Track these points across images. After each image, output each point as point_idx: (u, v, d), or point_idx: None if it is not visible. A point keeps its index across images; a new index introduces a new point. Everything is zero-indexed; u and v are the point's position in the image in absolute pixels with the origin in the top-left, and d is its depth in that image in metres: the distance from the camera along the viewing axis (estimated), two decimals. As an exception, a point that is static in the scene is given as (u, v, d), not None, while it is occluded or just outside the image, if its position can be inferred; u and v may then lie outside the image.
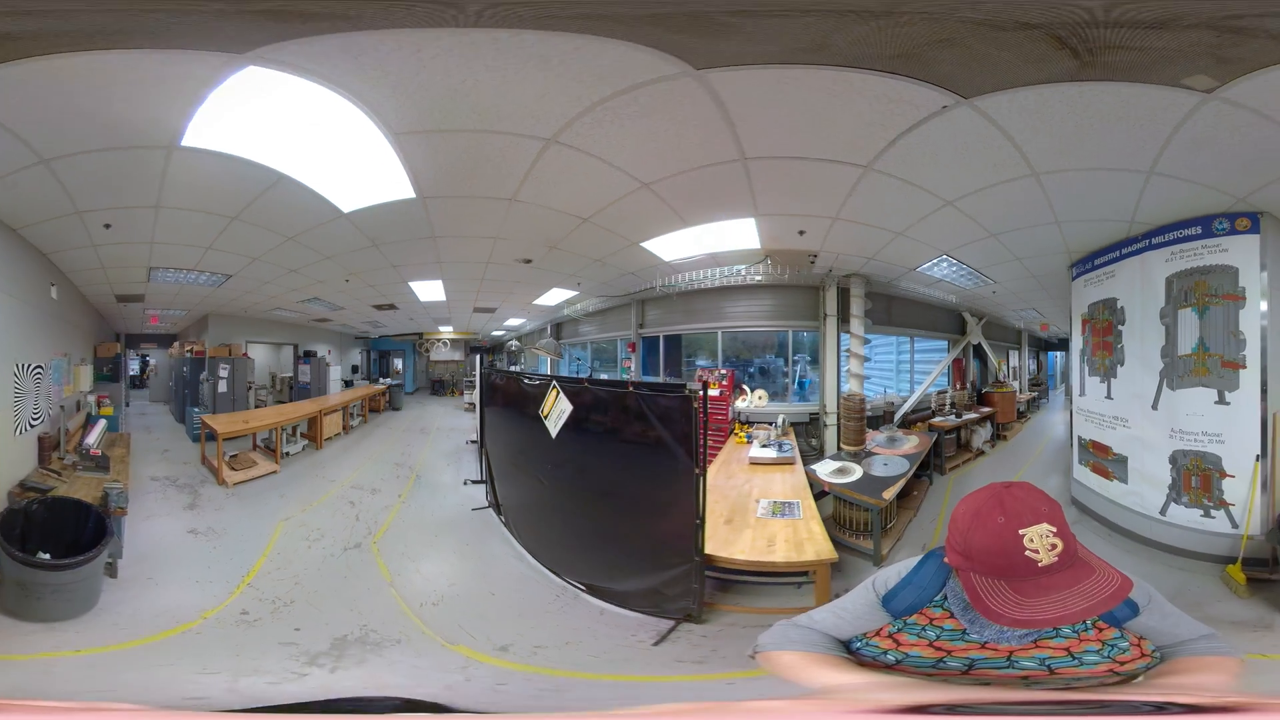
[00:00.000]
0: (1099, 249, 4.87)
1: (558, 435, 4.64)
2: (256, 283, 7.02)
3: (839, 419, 6.26)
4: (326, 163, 3.90)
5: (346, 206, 4.57)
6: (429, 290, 8.13)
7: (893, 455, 5.30)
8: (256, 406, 9.19)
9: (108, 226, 4.75)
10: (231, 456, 6.99)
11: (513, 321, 11.69)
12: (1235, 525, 4.00)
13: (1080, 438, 5.39)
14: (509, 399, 5.87)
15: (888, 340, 7.72)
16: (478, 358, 11.08)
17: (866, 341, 5.99)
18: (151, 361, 9.93)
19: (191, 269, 6.24)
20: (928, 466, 6.07)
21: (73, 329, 6.80)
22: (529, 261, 6.26)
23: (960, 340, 7.86)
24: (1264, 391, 3.87)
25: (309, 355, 10.54)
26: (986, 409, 7.87)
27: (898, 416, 6.98)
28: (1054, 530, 1.28)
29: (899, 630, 1.54)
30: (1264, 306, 3.90)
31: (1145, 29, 2.22)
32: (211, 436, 6.75)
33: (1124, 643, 1.45)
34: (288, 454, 7.63)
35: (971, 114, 2.98)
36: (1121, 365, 4.72)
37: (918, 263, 5.47)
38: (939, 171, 3.65)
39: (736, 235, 5.08)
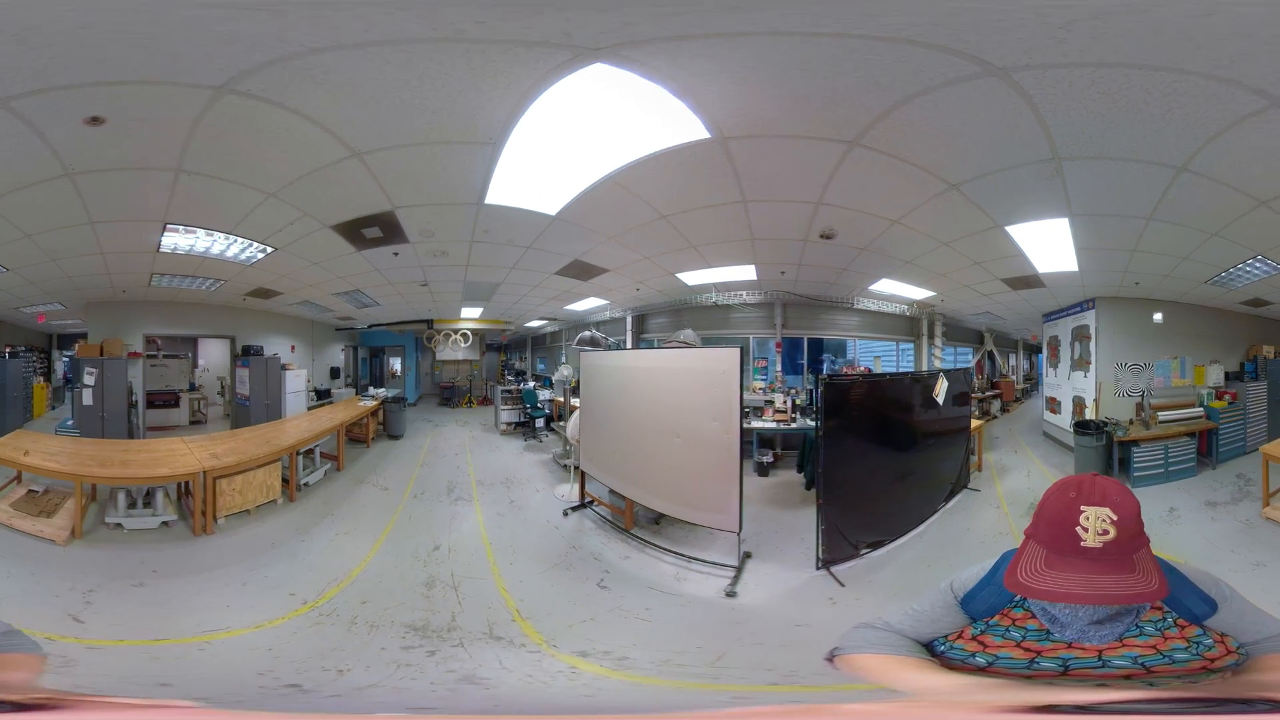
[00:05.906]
0: (1052, 311, 10.74)
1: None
2: (43, 210, 3.96)
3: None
4: None
5: None
6: (565, 175, 4.02)
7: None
8: (193, 423, 7.18)
9: None
10: (41, 492, 4.65)
11: (584, 304, 9.52)
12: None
13: (1045, 396, 11.56)
14: (910, 416, 5.95)
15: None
16: (581, 353, 7.45)
17: (943, 349, 12.20)
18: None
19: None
20: (973, 419, 11.94)
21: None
22: (828, 238, 4.78)
23: (980, 348, 13.45)
24: (1095, 373, 9.00)
25: (249, 352, 7.42)
26: (995, 391, 13.99)
27: (952, 390, 13.03)
28: (1114, 519, 1.28)
29: (983, 632, 1.53)
30: (1094, 340, 9.01)
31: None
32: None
33: (1208, 639, 1.43)
34: (119, 525, 4.58)
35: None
36: (1059, 363, 10.76)
37: (972, 313, 11.59)
38: (1005, 297, 9.85)
39: (917, 292, 9.41)
